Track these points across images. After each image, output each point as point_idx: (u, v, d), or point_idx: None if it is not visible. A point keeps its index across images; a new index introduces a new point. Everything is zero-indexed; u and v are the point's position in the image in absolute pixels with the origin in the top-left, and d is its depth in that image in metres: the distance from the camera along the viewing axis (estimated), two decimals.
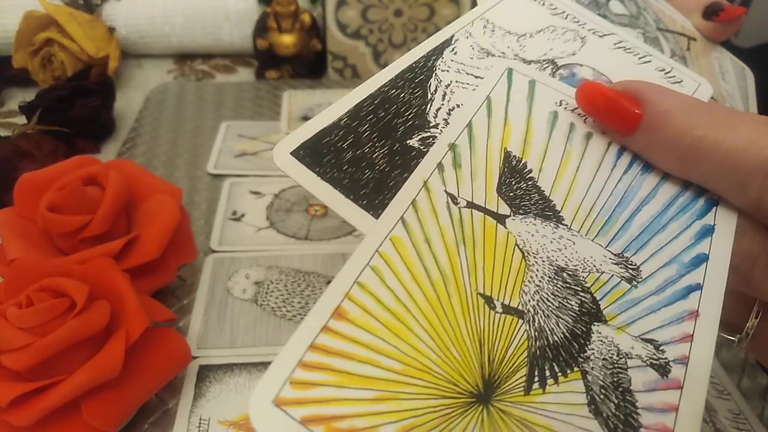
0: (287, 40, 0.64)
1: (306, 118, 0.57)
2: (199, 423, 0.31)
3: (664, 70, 0.26)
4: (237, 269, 0.40)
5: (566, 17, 0.27)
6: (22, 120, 0.53)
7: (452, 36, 0.25)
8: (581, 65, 0.26)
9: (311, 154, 0.20)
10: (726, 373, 0.33)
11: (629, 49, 0.27)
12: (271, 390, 0.14)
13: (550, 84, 0.24)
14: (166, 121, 0.57)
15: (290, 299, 0.38)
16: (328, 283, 0.38)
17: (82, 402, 0.28)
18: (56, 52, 0.59)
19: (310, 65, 0.66)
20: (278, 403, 0.14)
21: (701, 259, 0.20)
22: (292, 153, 0.19)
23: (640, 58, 0.27)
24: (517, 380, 0.16)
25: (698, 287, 0.19)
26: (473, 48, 0.25)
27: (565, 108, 0.23)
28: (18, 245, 0.34)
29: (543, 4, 0.28)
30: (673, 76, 0.26)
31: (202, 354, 0.34)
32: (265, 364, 0.34)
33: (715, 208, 0.21)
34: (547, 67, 0.25)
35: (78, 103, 0.52)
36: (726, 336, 0.22)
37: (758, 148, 0.18)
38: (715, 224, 0.20)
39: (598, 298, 0.19)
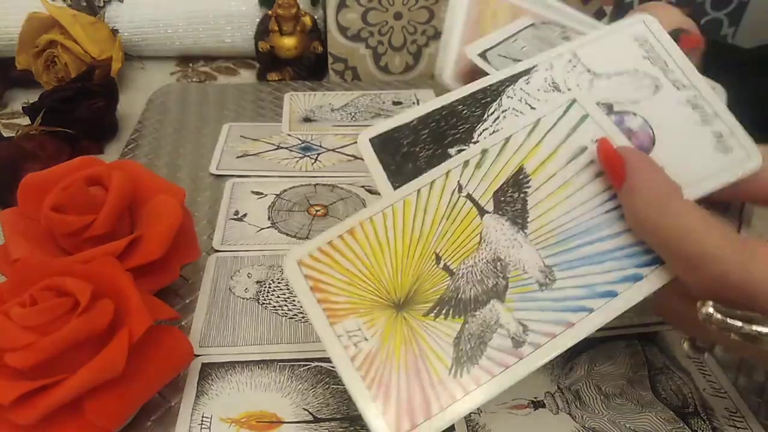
0: (288, 43, 0.64)
1: (307, 120, 0.58)
2: (201, 421, 0.31)
3: (721, 135, 0.27)
4: (239, 268, 0.40)
5: (655, 63, 0.29)
6: (25, 121, 0.53)
7: (534, 66, 0.29)
8: (634, 114, 0.28)
9: (380, 142, 0.27)
10: (722, 372, 0.34)
11: (699, 106, 0.28)
12: (298, 255, 0.25)
13: (600, 121, 0.27)
14: (169, 122, 0.57)
15: (291, 298, 0.38)
16: None
17: (85, 400, 0.28)
18: (59, 54, 0.59)
19: (311, 67, 0.67)
20: (299, 263, 0.25)
21: (609, 295, 0.25)
22: (369, 139, 0.27)
23: (702, 118, 0.28)
24: (423, 306, 0.25)
25: (588, 310, 0.24)
26: (546, 80, 0.29)
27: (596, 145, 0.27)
28: (22, 245, 0.35)
29: (642, 46, 0.29)
30: (725, 144, 0.27)
31: (204, 352, 0.35)
32: (266, 362, 0.34)
33: (656, 267, 0.25)
34: (602, 110, 0.28)
35: (81, 105, 0.53)
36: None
37: (695, 235, 0.23)
38: (645, 276, 0.25)
39: (510, 286, 0.25)
